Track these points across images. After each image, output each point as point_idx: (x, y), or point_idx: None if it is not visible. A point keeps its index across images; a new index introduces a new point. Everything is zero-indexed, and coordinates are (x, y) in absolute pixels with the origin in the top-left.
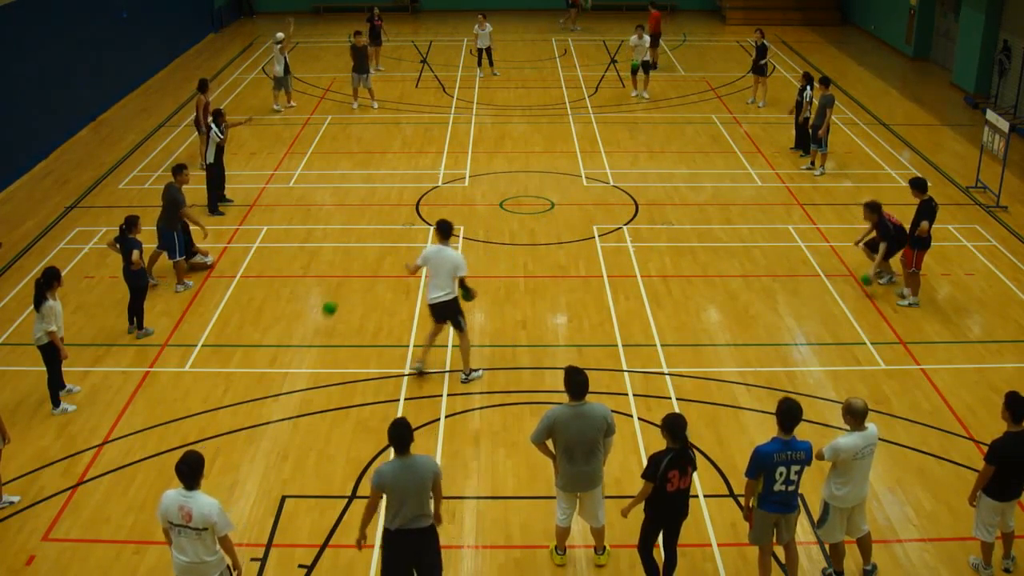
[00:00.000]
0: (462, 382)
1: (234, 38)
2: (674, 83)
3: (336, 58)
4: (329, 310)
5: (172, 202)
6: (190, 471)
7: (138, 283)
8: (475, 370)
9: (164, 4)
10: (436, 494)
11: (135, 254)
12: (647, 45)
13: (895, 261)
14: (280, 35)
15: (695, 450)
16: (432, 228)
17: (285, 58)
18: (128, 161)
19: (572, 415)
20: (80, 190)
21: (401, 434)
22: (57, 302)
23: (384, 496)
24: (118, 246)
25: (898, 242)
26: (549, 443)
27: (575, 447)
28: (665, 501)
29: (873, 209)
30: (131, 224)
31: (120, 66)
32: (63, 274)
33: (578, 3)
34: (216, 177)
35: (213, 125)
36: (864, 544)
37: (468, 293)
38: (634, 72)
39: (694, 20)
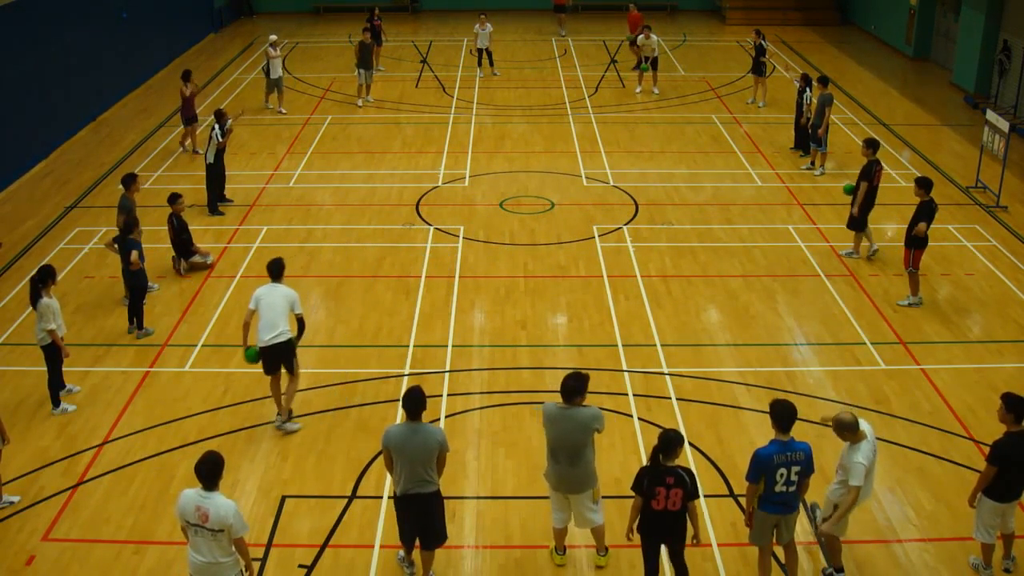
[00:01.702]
0: (277, 427)
1: (234, 38)
2: (674, 83)
3: (336, 58)
4: (250, 358)
5: (124, 211)
6: (209, 472)
7: (138, 283)
8: (293, 416)
9: (164, 4)
10: (439, 464)
11: (134, 254)
12: (654, 43)
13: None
14: (273, 37)
15: (688, 474)
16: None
17: (268, 61)
18: (128, 161)
19: (558, 415)
20: (80, 190)
21: (414, 401)
22: (53, 299)
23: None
24: (116, 247)
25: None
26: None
27: (559, 448)
28: (652, 519)
29: (871, 146)
30: (130, 225)
31: (120, 66)
32: (63, 274)
33: (566, 3)
34: (216, 177)
35: (216, 125)
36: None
37: (300, 335)
38: (643, 69)
39: (694, 20)
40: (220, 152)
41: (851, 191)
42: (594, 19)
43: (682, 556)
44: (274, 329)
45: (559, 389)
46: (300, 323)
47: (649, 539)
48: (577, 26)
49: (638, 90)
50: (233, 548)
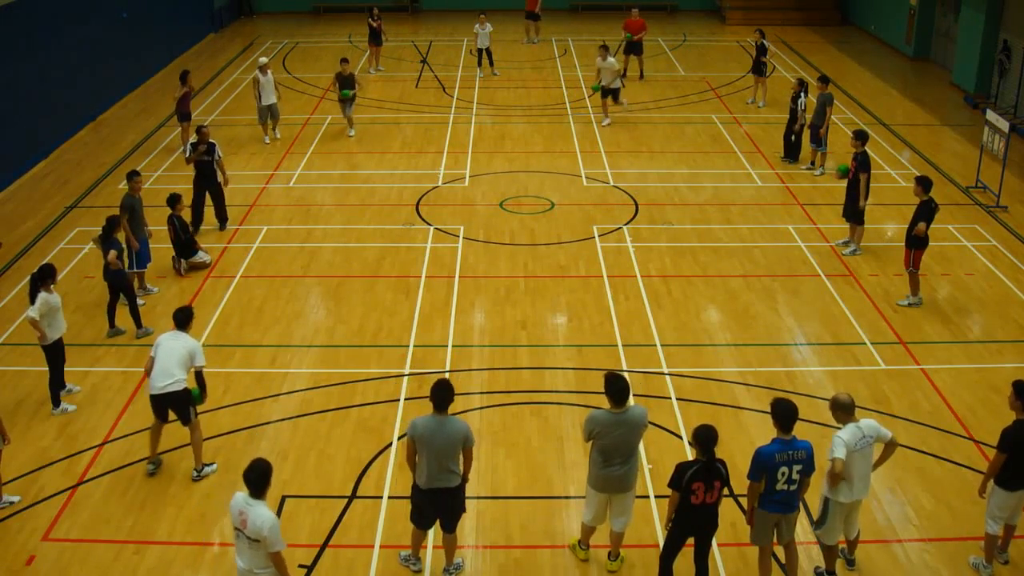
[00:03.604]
0: (194, 480)
1: (234, 38)
2: (674, 83)
3: (337, 57)
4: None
5: (129, 210)
6: (256, 479)
7: (116, 283)
8: (208, 464)
9: (164, 4)
10: (467, 458)
11: (111, 254)
12: (615, 68)
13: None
14: (263, 60)
15: (724, 466)
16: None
17: (259, 87)
18: (128, 161)
19: (615, 421)
20: (80, 190)
21: (442, 393)
22: (54, 295)
23: (416, 448)
24: (100, 246)
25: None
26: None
27: (614, 452)
28: (689, 513)
29: (860, 137)
30: (113, 224)
31: (120, 66)
32: (63, 274)
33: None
34: (198, 194)
35: (190, 141)
36: (852, 542)
37: (201, 394)
38: (604, 96)
39: (694, 20)
40: (199, 171)
41: (845, 172)
42: (594, 19)
43: (708, 555)
44: (168, 377)
45: (608, 393)
46: (199, 378)
47: (681, 533)
48: (577, 26)
49: (605, 122)
50: (270, 562)
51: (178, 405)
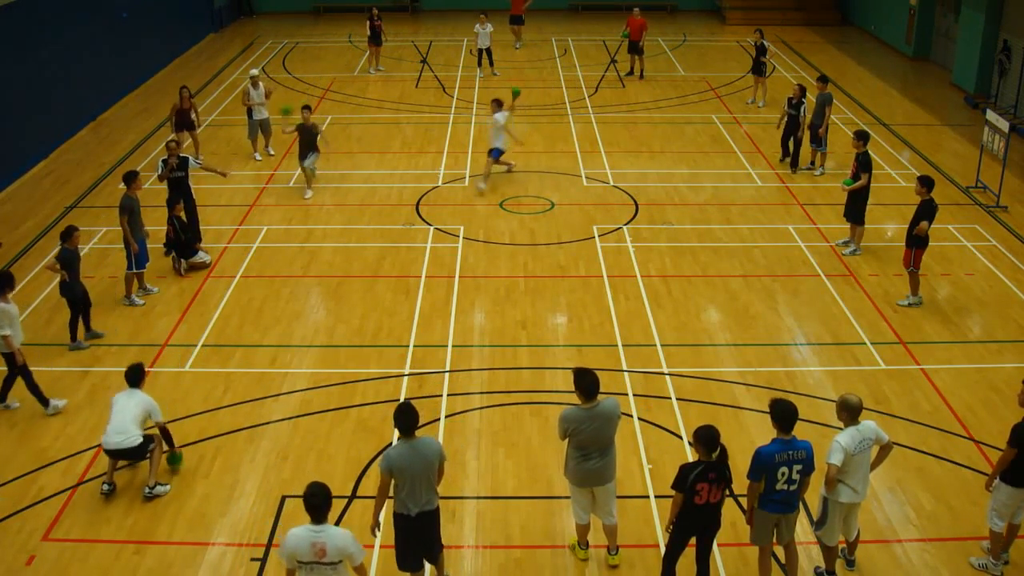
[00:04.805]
0: (145, 496)
1: (234, 38)
2: (674, 83)
3: (337, 57)
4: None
5: (128, 212)
6: (321, 504)
7: (65, 294)
8: (161, 484)
9: (164, 4)
10: (439, 474)
11: (51, 262)
12: (497, 124)
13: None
14: (255, 72)
15: (726, 466)
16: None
17: (249, 100)
18: (128, 161)
19: (587, 416)
20: (80, 190)
21: (406, 418)
22: (11, 305)
23: (393, 480)
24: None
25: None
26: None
27: (591, 446)
28: (693, 514)
29: (861, 138)
30: (66, 234)
31: (120, 66)
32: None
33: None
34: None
35: (164, 158)
36: (852, 543)
37: (174, 457)
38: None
39: (694, 20)
40: (173, 188)
41: (850, 185)
42: (594, 19)
43: (709, 555)
44: (123, 434)
45: (578, 389)
46: (164, 434)
47: (683, 534)
48: (577, 26)
49: (480, 186)
50: (352, 574)
51: (134, 455)
